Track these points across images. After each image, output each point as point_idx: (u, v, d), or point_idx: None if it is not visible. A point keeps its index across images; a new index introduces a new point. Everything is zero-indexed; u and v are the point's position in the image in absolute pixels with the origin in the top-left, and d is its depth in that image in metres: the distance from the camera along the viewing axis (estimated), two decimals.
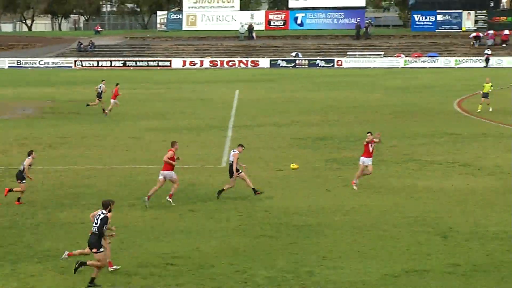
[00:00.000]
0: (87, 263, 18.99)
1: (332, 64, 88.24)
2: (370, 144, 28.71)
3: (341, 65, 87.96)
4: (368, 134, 29.00)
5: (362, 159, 28.92)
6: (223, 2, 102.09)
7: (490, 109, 50.29)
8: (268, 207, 26.65)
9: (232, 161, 27.59)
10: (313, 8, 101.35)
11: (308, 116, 49.73)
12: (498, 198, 27.81)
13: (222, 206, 26.85)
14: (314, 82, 72.04)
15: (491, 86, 51.79)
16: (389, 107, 54.00)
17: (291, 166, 32.31)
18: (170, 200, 26.78)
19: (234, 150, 27.87)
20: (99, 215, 19.02)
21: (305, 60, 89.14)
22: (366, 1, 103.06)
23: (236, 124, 46.70)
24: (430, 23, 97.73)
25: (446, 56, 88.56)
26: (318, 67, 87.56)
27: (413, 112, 51.23)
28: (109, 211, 19.29)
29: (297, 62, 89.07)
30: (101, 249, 18.88)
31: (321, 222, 24.76)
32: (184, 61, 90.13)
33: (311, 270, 20.21)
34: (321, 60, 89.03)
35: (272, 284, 19.25)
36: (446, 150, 37.21)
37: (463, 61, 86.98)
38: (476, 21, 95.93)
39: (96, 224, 18.91)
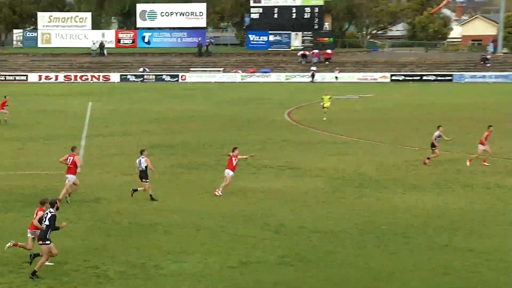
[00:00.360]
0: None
1: (177, 78, 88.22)
2: (233, 158, 28.81)
3: (185, 79, 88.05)
4: (235, 151, 28.87)
5: (226, 171, 28.91)
6: (76, 22, 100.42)
7: (324, 118, 51.85)
8: (119, 208, 26.52)
9: (146, 166, 27.74)
10: (159, 28, 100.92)
11: (155, 125, 49.64)
12: (322, 197, 28.65)
13: (76, 208, 26.50)
14: (160, 95, 71.75)
15: (330, 98, 53.53)
16: (228, 116, 54.51)
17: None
18: (68, 198, 27.29)
19: (143, 156, 27.91)
20: (47, 213, 19.23)
21: (152, 75, 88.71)
22: (207, 22, 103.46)
23: (89, 133, 46.04)
24: (263, 42, 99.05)
25: (277, 72, 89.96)
26: (164, 81, 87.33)
27: (249, 121, 51.87)
28: (57, 209, 19.57)
29: (145, 77, 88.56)
30: (47, 242, 19.01)
31: (167, 221, 24.84)
32: (40, 76, 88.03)
33: (157, 264, 20.31)
34: (166, 75, 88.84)
35: (122, 277, 19.25)
36: (277, 155, 37.89)
37: (292, 76, 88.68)
38: (303, 41, 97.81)
39: (45, 221, 19.08)
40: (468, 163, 34.41)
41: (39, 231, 19.54)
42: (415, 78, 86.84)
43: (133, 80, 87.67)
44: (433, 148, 34.98)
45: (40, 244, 19.16)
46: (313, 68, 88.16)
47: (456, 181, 31.33)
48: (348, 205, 27.24)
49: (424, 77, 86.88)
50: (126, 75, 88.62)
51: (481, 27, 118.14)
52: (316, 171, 33.51)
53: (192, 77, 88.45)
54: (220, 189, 28.81)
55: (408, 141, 42.40)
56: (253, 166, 34.42)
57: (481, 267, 20.09)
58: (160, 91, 75.73)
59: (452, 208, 26.72)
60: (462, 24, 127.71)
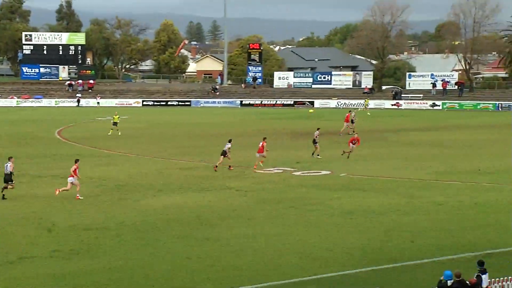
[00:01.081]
0: None
1: None
2: (76, 170, 27.59)
3: None
4: (77, 162, 28.29)
5: (70, 179, 27.51)
6: None
7: (119, 133, 51.45)
8: None
9: (10, 171, 27.29)
10: None
11: None
12: (89, 200, 27.56)
13: None
14: None
15: (118, 117, 53.45)
16: (5, 135, 51.31)
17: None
18: None
19: (9, 162, 27.54)
20: None
21: None
22: None
23: None
24: (35, 73, 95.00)
25: (48, 98, 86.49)
26: None
27: (24, 139, 49.19)
28: None
29: None
30: None
31: None
32: None
33: None
34: None
35: None
36: (50, 166, 36.23)
37: (61, 101, 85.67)
38: (69, 73, 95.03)
39: None
40: (255, 169, 34.49)
41: None
42: (162, 103, 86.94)
43: None
44: (224, 156, 34.77)
45: None
46: (79, 95, 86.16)
47: (197, 184, 31.42)
48: (110, 206, 26.44)
49: (169, 103, 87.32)
50: None
51: (211, 64, 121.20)
52: (84, 179, 32.07)
53: None
54: (78, 194, 27.62)
55: (157, 153, 42.15)
56: (30, 176, 32.56)
57: (220, 252, 20.09)
58: None
59: (195, 205, 26.64)
60: (196, 61, 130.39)
